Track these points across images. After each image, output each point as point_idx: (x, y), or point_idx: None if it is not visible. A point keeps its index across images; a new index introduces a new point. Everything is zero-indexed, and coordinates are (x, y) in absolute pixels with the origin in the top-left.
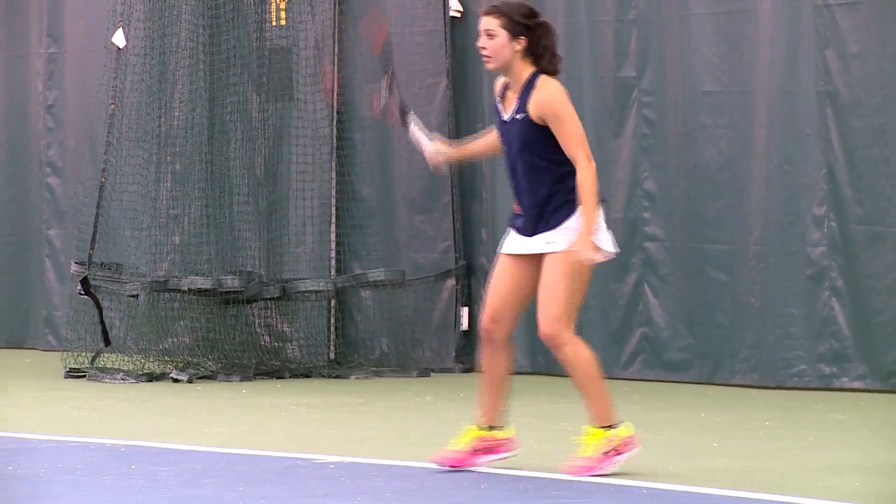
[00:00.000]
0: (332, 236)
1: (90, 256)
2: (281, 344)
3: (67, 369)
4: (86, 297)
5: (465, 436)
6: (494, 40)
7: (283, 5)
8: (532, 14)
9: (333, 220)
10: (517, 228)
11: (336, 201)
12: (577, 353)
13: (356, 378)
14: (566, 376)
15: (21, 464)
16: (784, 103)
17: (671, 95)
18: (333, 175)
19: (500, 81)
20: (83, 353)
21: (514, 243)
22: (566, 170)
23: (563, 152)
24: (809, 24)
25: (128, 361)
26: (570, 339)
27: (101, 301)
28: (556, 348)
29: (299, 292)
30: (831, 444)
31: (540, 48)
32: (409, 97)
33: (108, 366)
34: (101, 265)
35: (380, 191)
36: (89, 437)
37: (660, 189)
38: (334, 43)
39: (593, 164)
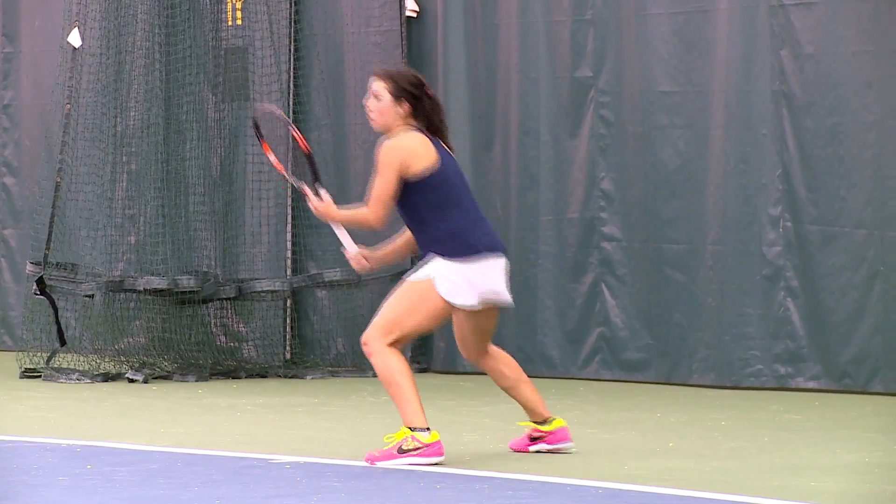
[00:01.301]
0: (288, 236)
1: (46, 256)
2: (237, 344)
3: (23, 369)
4: (41, 296)
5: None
6: (379, 103)
7: (238, 5)
8: (419, 84)
9: (289, 219)
10: None
11: (292, 201)
12: (384, 361)
13: (312, 378)
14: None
15: None
16: (740, 103)
17: (628, 95)
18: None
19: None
20: (39, 353)
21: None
22: (425, 220)
23: (420, 204)
24: (765, 24)
25: (83, 361)
26: (378, 349)
27: (56, 301)
28: (368, 356)
29: (255, 292)
30: (787, 444)
31: (422, 117)
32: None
33: (64, 366)
34: (57, 265)
35: (336, 190)
36: (45, 438)
37: (617, 189)
38: (290, 42)
39: (370, 219)
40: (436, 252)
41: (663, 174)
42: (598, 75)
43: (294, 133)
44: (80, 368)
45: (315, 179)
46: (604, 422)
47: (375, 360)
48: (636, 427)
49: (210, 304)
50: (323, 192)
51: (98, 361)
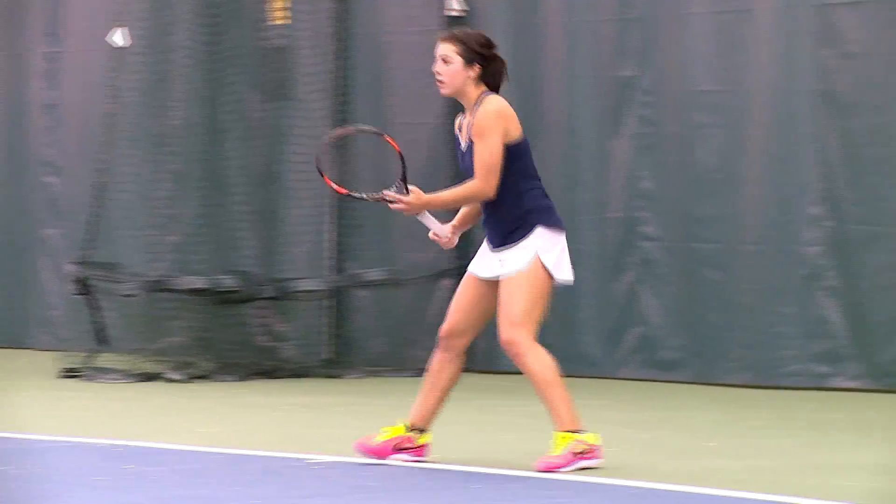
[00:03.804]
0: (329, 236)
1: (88, 256)
2: (277, 344)
3: (63, 369)
4: (83, 296)
5: (393, 431)
6: (449, 66)
7: (282, 4)
8: (488, 44)
9: (330, 219)
10: (487, 239)
11: (333, 201)
12: (536, 359)
13: (351, 378)
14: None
15: (16, 464)
16: (781, 103)
17: (669, 94)
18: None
19: (459, 116)
20: (79, 353)
21: (477, 264)
22: (520, 189)
23: (515, 173)
24: (808, 23)
25: (123, 361)
26: (530, 347)
27: (97, 300)
28: (515, 356)
29: (295, 292)
30: (825, 444)
31: (492, 78)
32: (408, 97)
33: (104, 365)
34: (99, 264)
35: (377, 188)
36: (84, 437)
37: (656, 188)
38: (333, 42)
39: (486, 189)
40: (533, 223)
41: (702, 173)
42: (641, 74)
43: (387, 139)
44: (120, 368)
45: (403, 177)
46: (641, 421)
47: (527, 360)
48: (673, 426)
49: (250, 303)
50: (411, 187)
51: (138, 361)
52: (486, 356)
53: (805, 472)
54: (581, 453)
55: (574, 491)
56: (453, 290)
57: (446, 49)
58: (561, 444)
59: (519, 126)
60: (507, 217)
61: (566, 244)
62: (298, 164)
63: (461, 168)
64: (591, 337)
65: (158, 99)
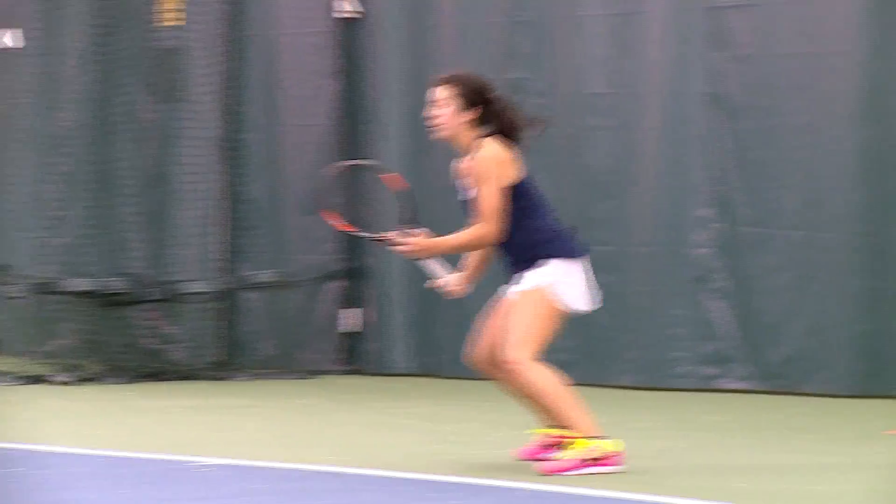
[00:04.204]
0: (220, 237)
1: None
2: (166, 346)
3: None
4: None
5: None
6: (444, 110)
7: (174, 6)
8: (488, 87)
9: (221, 221)
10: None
11: (224, 202)
12: (536, 374)
13: (241, 380)
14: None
15: None
16: (672, 105)
17: (561, 97)
18: (222, 176)
19: (455, 163)
20: None
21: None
22: (527, 226)
23: (519, 211)
24: (700, 26)
25: (11, 363)
26: (528, 364)
27: None
28: (516, 374)
29: (185, 294)
30: (713, 445)
31: (494, 122)
32: (300, 98)
33: None
34: None
35: (269, 192)
36: None
37: (548, 190)
38: (225, 43)
39: (491, 233)
40: (545, 254)
41: (594, 175)
42: (533, 77)
43: (386, 177)
44: (8, 370)
45: (412, 219)
46: (529, 423)
47: (527, 375)
48: None
49: (139, 306)
50: (419, 230)
51: (26, 363)
52: (378, 358)
53: (694, 473)
54: (595, 459)
55: (465, 492)
56: (342, 292)
57: (442, 92)
58: (575, 448)
59: (518, 165)
60: (519, 254)
61: (586, 270)
62: (189, 165)
63: (466, 214)
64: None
65: (49, 100)
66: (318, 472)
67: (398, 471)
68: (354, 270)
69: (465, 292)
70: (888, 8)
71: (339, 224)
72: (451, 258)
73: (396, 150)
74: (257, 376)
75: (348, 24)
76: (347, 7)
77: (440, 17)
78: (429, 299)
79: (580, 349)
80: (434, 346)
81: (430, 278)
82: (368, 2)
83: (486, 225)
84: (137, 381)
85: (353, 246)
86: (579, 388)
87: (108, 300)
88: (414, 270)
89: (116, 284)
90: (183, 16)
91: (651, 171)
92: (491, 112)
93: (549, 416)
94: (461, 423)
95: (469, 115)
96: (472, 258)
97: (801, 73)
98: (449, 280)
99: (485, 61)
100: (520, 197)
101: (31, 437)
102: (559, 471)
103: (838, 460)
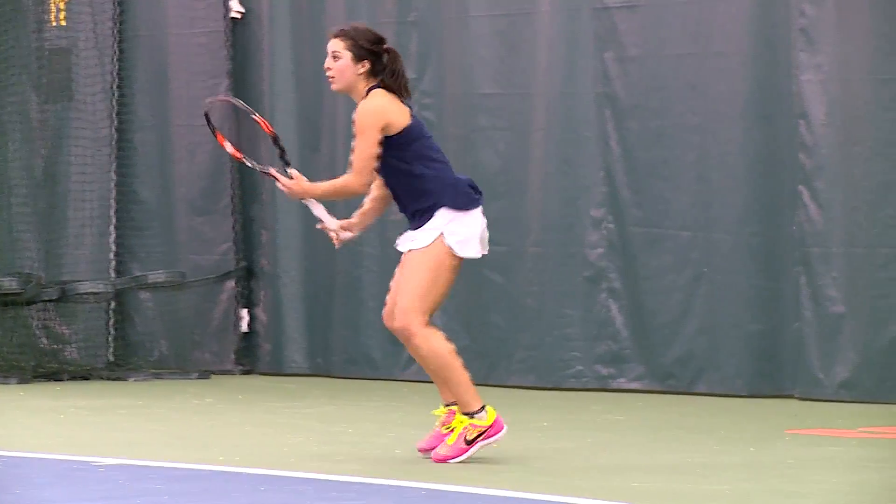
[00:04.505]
0: (112, 238)
1: None
2: (60, 346)
3: None
4: None
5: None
6: (339, 62)
7: (62, 6)
8: (378, 40)
9: (113, 221)
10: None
11: (115, 203)
12: (429, 344)
13: (135, 380)
14: (344, 377)
15: None
16: (562, 106)
17: (450, 97)
18: (113, 176)
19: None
20: None
21: (400, 241)
22: (417, 173)
23: (410, 159)
24: (588, 26)
25: None
26: (421, 332)
27: None
28: (407, 340)
29: (78, 294)
30: (610, 445)
31: (384, 72)
32: (190, 98)
33: None
34: None
35: (159, 192)
36: None
37: None
38: (114, 43)
39: (357, 185)
40: (436, 205)
41: (485, 176)
42: (421, 77)
43: (257, 118)
44: None
45: (284, 161)
46: (425, 423)
47: (419, 344)
48: None
49: (33, 306)
50: (293, 171)
51: None
52: (272, 359)
53: (589, 473)
54: (479, 435)
55: (360, 493)
56: (237, 292)
57: (336, 45)
58: (458, 429)
59: (404, 115)
60: (412, 200)
61: (480, 219)
62: (80, 165)
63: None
64: (374, 339)
65: None
66: (217, 472)
67: (294, 470)
68: (247, 271)
69: (352, 238)
70: (774, 7)
71: (233, 150)
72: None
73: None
74: (153, 376)
75: (237, 23)
76: (233, 6)
77: (330, 16)
78: (323, 300)
79: (473, 349)
80: (328, 345)
81: (318, 221)
82: (253, 1)
83: (353, 176)
84: (31, 382)
85: (246, 246)
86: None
87: (1, 300)
88: (308, 271)
89: (9, 284)
90: (71, 15)
91: (542, 172)
92: (382, 64)
93: (442, 387)
94: (356, 422)
95: (361, 67)
96: (364, 204)
97: (690, 74)
98: (332, 225)
99: None
100: (408, 145)
101: None
102: (445, 459)
103: (738, 460)
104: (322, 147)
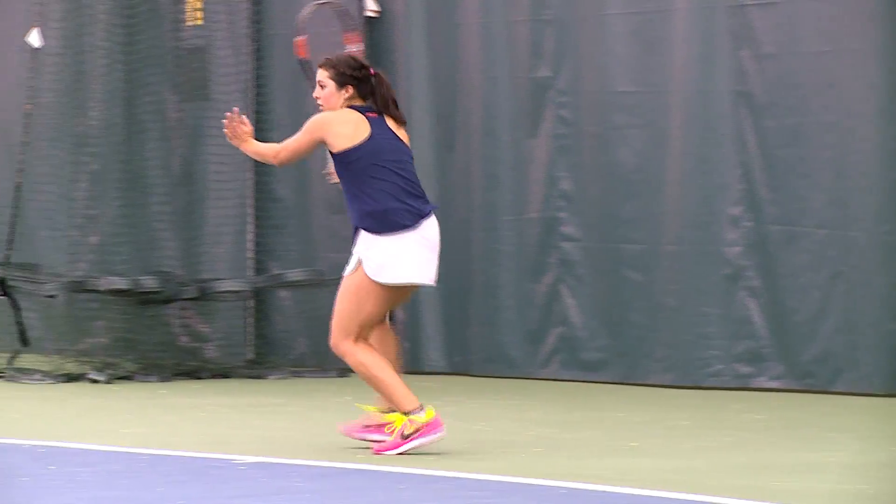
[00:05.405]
0: (250, 236)
1: (7, 257)
2: (199, 344)
3: None
4: (3, 297)
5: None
6: (325, 90)
7: (199, 5)
8: (359, 66)
9: (251, 219)
10: None
11: (253, 201)
12: (356, 359)
13: (274, 378)
14: (482, 376)
15: None
16: (699, 104)
17: (586, 95)
18: (250, 175)
19: None
20: (1, 354)
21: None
22: (356, 193)
23: (351, 178)
24: (724, 24)
25: (45, 362)
26: (349, 349)
27: (18, 301)
28: (341, 357)
29: (217, 292)
30: (749, 444)
31: (370, 96)
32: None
33: (26, 366)
34: (19, 265)
35: (297, 190)
36: (7, 438)
37: (576, 189)
38: (250, 42)
39: (275, 162)
40: (357, 228)
41: (621, 174)
42: (557, 75)
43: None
44: (43, 369)
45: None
46: (564, 422)
47: (349, 361)
48: (597, 427)
49: (172, 304)
50: (247, 122)
51: (60, 362)
52: (411, 357)
53: (730, 473)
54: (412, 434)
55: (498, 491)
56: None
57: (321, 75)
58: (396, 425)
59: (352, 138)
60: (352, 215)
61: (406, 244)
62: (217, 163)
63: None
64: (512, 338)
65: (76, 99)
66: (357, 471)
67: (432, 468)
68: None
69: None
70: None
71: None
72: None
73: (424, 148)
74: (292, 374)
75: (372, 22)
76: (373, 6)
77: (463, 16)
78: (460, 298)
79: (613, 349)
80: (466, 344)
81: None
82: (389, 1)
83: (277, 153)
84: (171, 380)
85: None
86: (613, 387)
87: (141, 298)
88: (445, 270)
89: (149, 283)
90: (207, 15)
91: (678, 170)
92: (369, 87)
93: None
94: (495, 420)
95: (346, 92)
96: None
97: (826, 71)
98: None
99: (509, 60)
100: (348, 164)
101: (65, 436)
102: (384, 451)
103: (878, 459)
104: (458, 145)
